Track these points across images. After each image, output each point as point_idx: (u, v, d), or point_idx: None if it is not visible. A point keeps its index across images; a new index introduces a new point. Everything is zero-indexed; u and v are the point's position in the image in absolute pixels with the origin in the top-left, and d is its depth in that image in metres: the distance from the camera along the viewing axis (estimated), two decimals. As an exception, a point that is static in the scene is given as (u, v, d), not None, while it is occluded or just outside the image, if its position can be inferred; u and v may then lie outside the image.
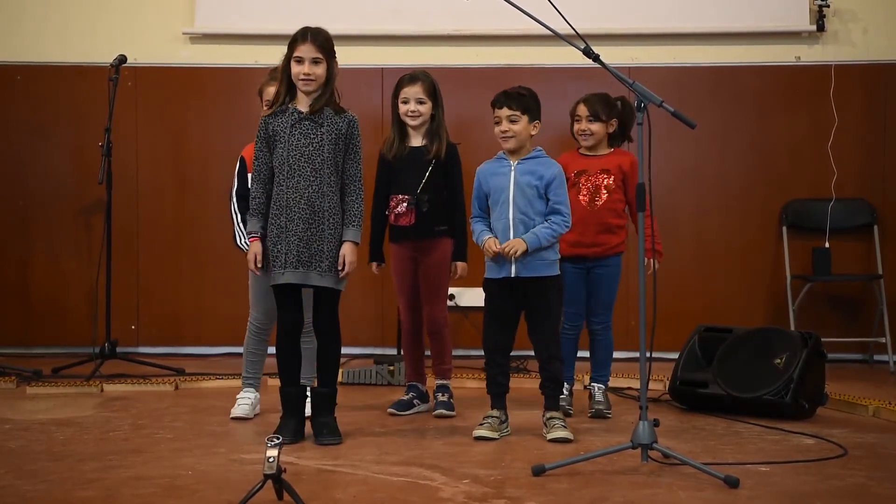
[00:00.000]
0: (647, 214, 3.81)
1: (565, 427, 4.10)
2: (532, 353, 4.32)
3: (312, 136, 4.07)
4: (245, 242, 4.39)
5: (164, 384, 5.35)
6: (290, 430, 4.03)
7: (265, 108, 4.37)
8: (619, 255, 4.64)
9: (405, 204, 4.54)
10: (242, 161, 4.53)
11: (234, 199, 4.53)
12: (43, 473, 3.51)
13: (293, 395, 4.12)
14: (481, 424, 4.15)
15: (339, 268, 4.05)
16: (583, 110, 4.63)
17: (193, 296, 6.57)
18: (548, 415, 4.17)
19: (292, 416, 4.10)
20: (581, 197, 4.55)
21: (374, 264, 4.70)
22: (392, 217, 4.59)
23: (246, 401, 4.54)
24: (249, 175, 4.24)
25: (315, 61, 4.06)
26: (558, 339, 4.25)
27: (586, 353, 4.75)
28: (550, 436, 4.08)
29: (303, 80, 4.06)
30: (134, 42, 6.50)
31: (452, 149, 4.64)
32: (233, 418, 4.47)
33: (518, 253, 4.08)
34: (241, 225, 4.48)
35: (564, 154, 4.66)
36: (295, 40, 4.10)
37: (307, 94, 4.09)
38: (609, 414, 4.57)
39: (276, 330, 4.17)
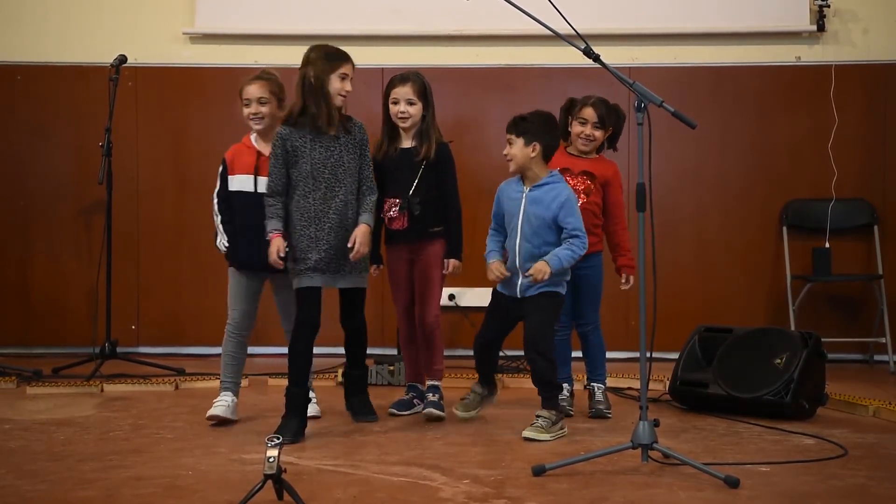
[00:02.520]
0: (624, 227, 4.28)
1: (542, 428, 4.12)
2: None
3: (332, 148, 4.27)
4: (224, 243, 4.46)
5: (164, 384, 5.35)
6: (292, 429, 4.07)
7: (244, 106, 4.45)
8: (598, 254, 4.60)
9: (396, 208, 4.50)
10: (224, 163, 4.53)
11: (215, 200, 4.54)
12: (43, 473, 3.51)
13: (299, 395, 4.18)
14: (462, 399, 4.45)
15: (349, 245, 4.20)
16: (591, 114, 4.56)
17: (193, 296, 6.57)
18: (537, 412, 4.21)
19: (295, 415, 4.14)
20: None
21: (374, 266, 4.62)
22: (386, 220, 4.56)
23: (223, 402, 4.41)
24: (230, 177, 4.45)
25: (350, 80, 4.30)
26: (552, 342, 4.27)
27: (578, 353, 4.76)
28: (524, 433, 4.13)
29: (342, 96, 4.28)
30: (134, 42, 6.50)
31: (443, 148, 4.56)
32: (209, 417, 4.36)
33: (545, 277, 4.11)
34: (220, 226, 4.49)
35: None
36: (337, 60, 4.28)
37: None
38: (609, 413, 4.58)
39: (294, 330, 4.25)
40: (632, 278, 4.60)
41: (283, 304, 4.49)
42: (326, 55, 4.31)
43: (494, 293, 4.35)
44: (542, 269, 4.11)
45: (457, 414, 4.41)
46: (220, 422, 4.37)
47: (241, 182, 4.45)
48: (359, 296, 4.43)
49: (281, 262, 4.19)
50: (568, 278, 4.29)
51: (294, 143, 4.24)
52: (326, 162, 4.25)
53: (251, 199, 4.37)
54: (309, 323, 4.23)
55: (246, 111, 4.46)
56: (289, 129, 4.27)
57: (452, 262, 4.55)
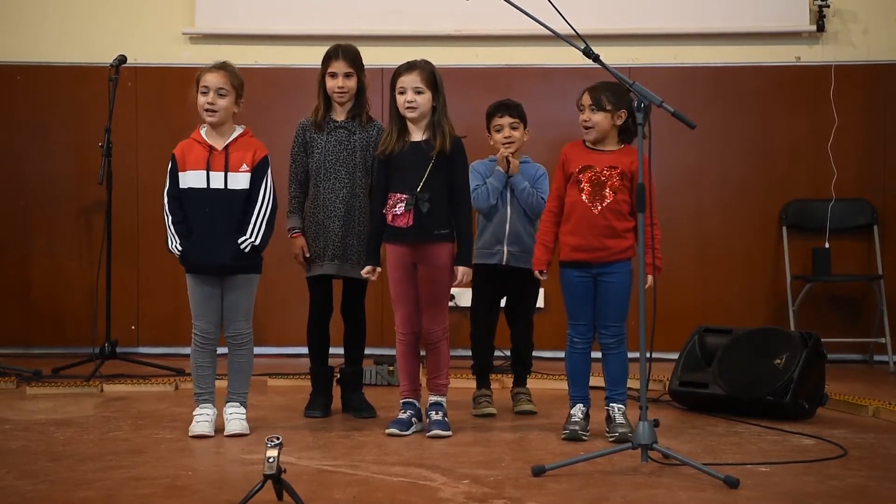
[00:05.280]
0: (649, 224, 3.77)
1: (530, 401, 4.71)
2: (537, 352, 4.93)
3: (346, 142, 4.54)
4: (175, 246, 4.20)
5: (164, 384, 5.35)
6: (321, 405, 4.57)
7: (199, 95, 4.24)
8: (627, 261, 4.14)
9: (403, 204, 4.18)
10: (173, 159, 4.28)
11: (165, 200, 4.27)
12: (43, 473, 3.51)
13: (322, 374, 4.63)
14: (479, 404, 4.66)
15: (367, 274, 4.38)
16: (586, 99, 4.18)
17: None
18: (515, 390, 4.81)
19: (321, 393, 4.61)
20: (583, 196, 4.11)
21: (369, 268, 4.29)
22: (389, 217, 4.21)
23: (204, 418, 4.18)
24: (182, 174, 4.21)
25: (347, 75, 4.53)
26: (532, 326, 4.82)
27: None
28: (517, 409, 4.69)
29: (337, 92, 4.52)
30: (134, 42, 6.51)
31: (457, 142, 4.25)
32: (192, 437, 4.12)
33: (513, 164, 4.66)
34: (171, 227, 4.23)
35: (570, 144, 4.26)
36: (329, 57, 4.55)
37: (341, 104, 4.56)
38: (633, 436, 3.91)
39: (309, 317, 4.58)
40: (649, 278, 4.02)
41: (228, 307, 4.22)
42: (324, 56, 4.59)
43: (475, 271, 4.54)
44: (515, 162, 4.67)
45: (486, 412, 4.65)
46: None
47: (193, 178, 4.20)
48: (361, 287, 4.58)
49: (304, 262, 4.53)
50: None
51: (312, 134, 4.57)
52: (339, 154, 4.52)
53: (202, 196, 4.18)
54: (320, 310, 4.59)
55: (202, 100, 4.20)
56: (309, 120, 4.59)
57: (462, 269, 4.20)
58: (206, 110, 4.21)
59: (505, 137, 4.68)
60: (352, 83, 4.54)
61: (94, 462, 3.68)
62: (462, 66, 6.52)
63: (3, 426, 4.35)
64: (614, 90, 4.14)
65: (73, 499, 3.21)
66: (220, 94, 4.22)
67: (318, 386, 4.63)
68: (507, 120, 4.69)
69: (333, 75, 4.54)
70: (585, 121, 4.17)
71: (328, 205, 4.51)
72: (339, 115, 4.58)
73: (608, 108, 4.13)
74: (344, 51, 4.56)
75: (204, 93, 4.22)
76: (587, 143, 4.22)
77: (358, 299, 4.62)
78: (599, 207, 4.11)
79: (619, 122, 4.16)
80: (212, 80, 4.24)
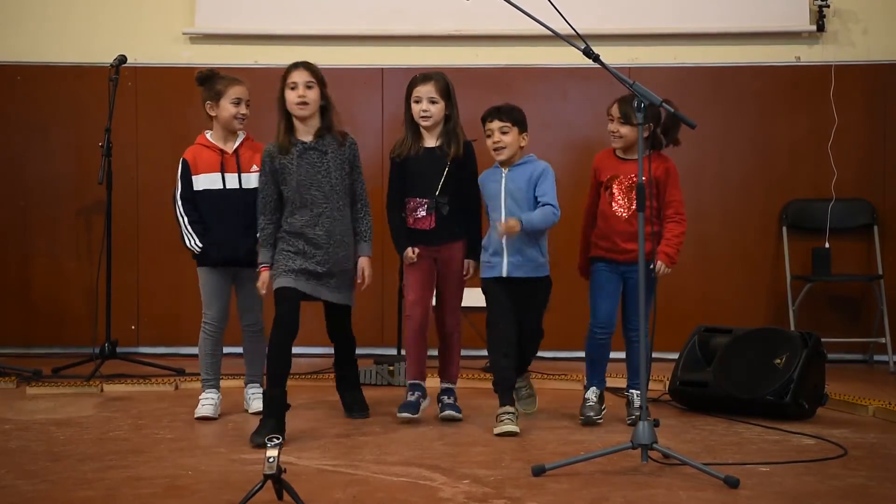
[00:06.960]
0: (678, 221, 4.27)
1: (512, 421, 4.18)
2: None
3: (319, 164, 4.32)
4: (195, 244, 4.48)
5: (164, 384, 5.35)
6: (269, 429, 3.95)
7: (231, 104, 4.50)
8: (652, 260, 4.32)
9: (424, 208, 4.43)
10: (185, 164, 4.54)
11: (179, 202, 4.52)
12: (43, 473, 3.51)
13: (274, 397, 4.13)
14: (502, 421, 4.19)
15: (359, 281, 4.41)
16: (615, 111, 4.44)
17: (193, 296, 6.45)
18: (518, 385, 4.53)
19: (272, 416, 4.08)
20: (613, 204, 4.42)
21: (410, 249, 4.42)
22: (411, 220, 4.46)
23: (209, 401, 4.53)
24: (195, 177, 4.48)
25: (308, 86, 4.30)
26: (541, 334, 4.51)
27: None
28: (497, 430, 4.18)
29: (297, 104, 4.28)
30: (134, 42, 6.51)
31: (469, 147, 4.51)
32: (197, 418, 4.49)
33: (513, 231, 4.24)
34: (189, 227, 4.49)
35: (600, 153, 4.56)
36: (287, 71, 4.35)
37: (303, 119, 4.31)
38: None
39: (271, 331, 4.20)
40: (662, 266, 4.28)
41: (245, 298, 4.58)
42: (282, 74, 4.38)
43: (484, 286, 4.44)
44: (511, 224, 4.24)
45: (506, 430, 4.20)
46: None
47: (207, 181, 4.50)
48: (343, 312, 4.50)
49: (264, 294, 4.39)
50: (546, 260, 4.39)
51: (281, 160, 4.32)
52: (313, 179, 4.30)
53: (219, 196, 4.48)
54: (284, 324, 4.17)
55: (234, 110, 4.50)
56: (275, 146, 4.34)
57: (473, 263, 4.51)
58: (237, 118, 4.49)
59: (494, 142, 4.47)
60: (314, 94, 4.30)
61: (94, 462, 3.68)
62: (462, 66, 6.51)
63: (3, 426, 4.35)
64: (639, 102, 4.18)
65: (73, 499, 3.21)
66: (247, 105, 4.53)
67: (273, 409, 4.13)
68: (496, 124, 4.46)
69: (293, 86, 4.30)
70: (614, 132, 4.43)
71: (307, 233, 4.28)
72: (306, 135, 4.35)
73: (635, 122, 4.10)
74: (304, 63, 4.37)
75: (236, 104, 4.51)
76: (616, 153, 4.49)
77: (343, 324, 4.56)
78: (627, 215, 4.40)
79: (645, 135, 4.21)
80: (242, 91, 4.54)
